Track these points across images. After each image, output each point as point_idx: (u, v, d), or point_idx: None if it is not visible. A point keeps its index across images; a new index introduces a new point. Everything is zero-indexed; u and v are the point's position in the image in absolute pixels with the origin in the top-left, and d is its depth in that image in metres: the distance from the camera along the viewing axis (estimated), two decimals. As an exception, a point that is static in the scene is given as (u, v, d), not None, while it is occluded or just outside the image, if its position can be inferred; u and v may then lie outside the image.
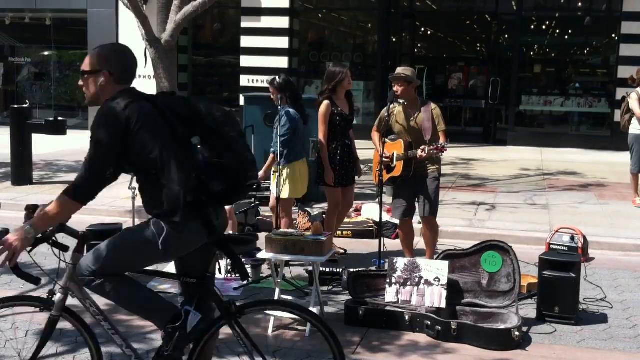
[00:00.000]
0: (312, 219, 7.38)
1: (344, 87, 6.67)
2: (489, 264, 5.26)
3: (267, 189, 8.59)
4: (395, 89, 6.02)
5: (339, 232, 7.19)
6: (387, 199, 8.63)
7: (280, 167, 6.40)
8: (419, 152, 5.83)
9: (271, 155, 6.67)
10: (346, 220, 7.51)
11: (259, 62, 16.20)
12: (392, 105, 6.09)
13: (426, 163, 6.06)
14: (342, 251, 7.05)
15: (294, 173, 6.56)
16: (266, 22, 16.21)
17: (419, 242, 6.89)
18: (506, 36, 18.28)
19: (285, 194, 6.53)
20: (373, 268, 6.27)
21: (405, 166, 6.00)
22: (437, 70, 19.65)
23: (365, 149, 8.52)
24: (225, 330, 5.00)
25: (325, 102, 6.64)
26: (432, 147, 5.81)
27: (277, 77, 6.68)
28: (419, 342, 4.86)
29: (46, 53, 18.64)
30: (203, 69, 18.52)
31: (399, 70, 6.05)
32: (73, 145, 14.10)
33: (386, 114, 6.11)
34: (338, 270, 6.12)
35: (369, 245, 7.31)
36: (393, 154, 6.05)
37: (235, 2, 16.75)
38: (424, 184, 6.07)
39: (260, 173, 6.71)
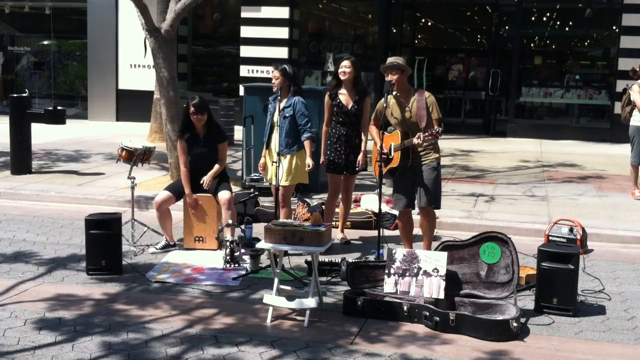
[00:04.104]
0: (311, 209, 7.37)
1: (340, 77, 6.76)
2: (487, 255, 5.26)
3: (261, 179, 8.51)
4: (389, 78, 5.99)
5: (337, 223, 7.19)
6: (387, 189, 8.64)
7: (288, 156, 6.60)
8: (415, 140, 5.82)
9: (307, 142, 6.59)
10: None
11: (258, 53, 16.16)
12: (388, 97, 6.08)
13: (424, 153, 6.03)
14: (348, 239, 7.12)
15: (302, 160, 6.71)
16: (266, 12, 16.17)
17: (418, 231, 6.89)
18: (507, 27, 18.22)
19: (296, 180, 6.72)
20: (371, 258, 6.28)
21: (403, 156, 5.98)
22: (437, 61, 19.62)
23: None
24: (224, 320, 5.04)
25: (327, 94, 6.88)
26: (427, 133, 5.79)
27: (286, 66, 6.73)
28: (417, 333, 4.87)
29: (45, 42, 18.59)
30: (203, 59, 18.49)
31: (391, 59, 6.02)
32: (72, 135, 14.11)
33: (384, 104, 6.10)
34: (337, 260, 6.12)
35: (368, 236, 7.31)
36: (390, 145, 6.05)
37: (235, -8, 16.73)
38: (422, 174, 6.05)
39: (310, 161, 6.60)
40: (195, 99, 6.71)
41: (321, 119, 7.90)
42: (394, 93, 6.00)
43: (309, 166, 6.63)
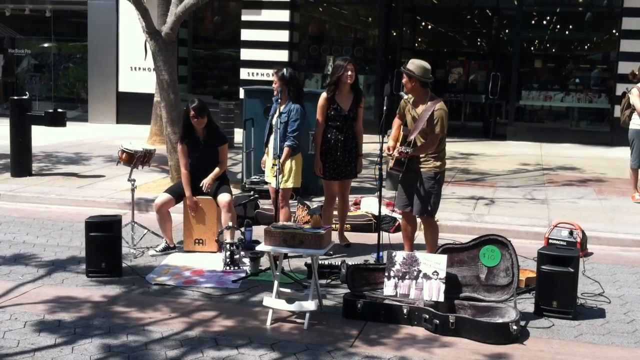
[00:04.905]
0: (311, 212, 7.39)
1: (343, 82, 6.67)
2: (487, 258, 5.26)
3: (261, 181, 8.53)
4: (403, 80, 6.02)
5: (337, 225, 7.19)
6: (387, 192, 8.65)
7: (282, 160, 6.55)
8: (395, 152, 5.85)
9: (286, 149, 6.59)
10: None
11: (259, 55, 16.17)
12: (406, 97, 6.07)
13: (423, 159, 5.97)
14: (349, 242, 7.11)
15: (298, 164, 6.75)
16: (267, 15, 16.18)
17: (419, 235, 6.88)
18: (507, 31, 18.24)
19: (290, 184, 6.71)
20: (371, 261, 6.28)
21: (397, 160, 5.97)
22: (437, 64, 19.60)
23: (365, 143, 8.49)
24: (224, 323, 5.04)
25: (323, 96, 6.75)
26: (401, 149, 5.79)
27: (284, 70, 6.71)
28: (417, 336, 4.87)
29: (46, 45, 18.61)
30: (203, 61, 18.50)
31: (410, 62, 5.99)
32: (72, 137, 14.12)
33: (384, 106, 6.13)
34: (336, 263, 6.12)
35: (368, 239, 7.31)
36: (397, 143, 6.06)
37: (235, -5, 16.74)
38: (419, 182, 6.01)
39: (277, 163, 6.58)
40: (194, 102, 6.72)
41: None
42: (406, 96, 6.01)
43: (272, 168, 6.47)
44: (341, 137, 6.75)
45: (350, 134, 6.80)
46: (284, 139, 6.60)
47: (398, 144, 6.02)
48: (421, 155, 5.96)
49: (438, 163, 6.00)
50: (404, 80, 5.95)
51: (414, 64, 5.93)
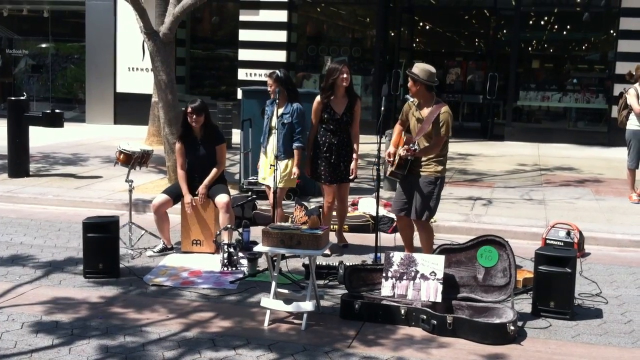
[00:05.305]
0: (309, 212, 7.37)
1: (339, 85, 6.65)
2: (485, 259, 5.27)
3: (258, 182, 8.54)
4: (408, 84, 6.02)
5: (335, 226, 7.19)
6: (384, 193, 8.65)
7: (286, 160, 6.73)
8: (401, 151, 5.84)
9: (297, 151, 6.77)
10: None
11: (257, 56, 16.17)
12: (411, 100, 6.08)
13: (425, 163, 5.95)
14: (347, 243, 7.11)
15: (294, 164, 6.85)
16: (264, 15, 16.18)
17: (417, 235, 6.89)
18: (504, 31, 18.24)
19: (285, 184, 6.84)
20: (369, 261, 6.28)
21: (399, 164, 5.96)
22: (435, 64, 19.58)
23: (362, 143, 8.50)
24: (222, 323, 5.04)
25: (317, 100, 6.75)
26: (405, 147, 5.78)
27: (277, 72, 6.80)
28: (415, 336, 4.88)
29: (43, 45, 18.59)
30: (201, 62, 18.50)
31: (414, 67, 5.97)
32: (70, 138, 14.11)
33: (382, 108, 6.13)
34: (334, 264, 6.12)
35: (365, 240, 7.31)
36: (398, 148, 6.05)
37: (233, -5, 16.74)
38: (418, 186, 5.99)
39: (296, 170, 6.80)
40: (196, 101, 6.74)
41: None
42: (412, 100, 6.01)
43: (294, 174, 6.78)
44: (334, 140, 6.72)
45: (345, 137, 6.77)
46: (288, 139, 6.68)
47: (400, 148, 5.99)
48: (423, 159, 5.94)
49: (440, 168, 5.97)
50: (409, 84, 5.93)
51: (419, 68, 5.89)
